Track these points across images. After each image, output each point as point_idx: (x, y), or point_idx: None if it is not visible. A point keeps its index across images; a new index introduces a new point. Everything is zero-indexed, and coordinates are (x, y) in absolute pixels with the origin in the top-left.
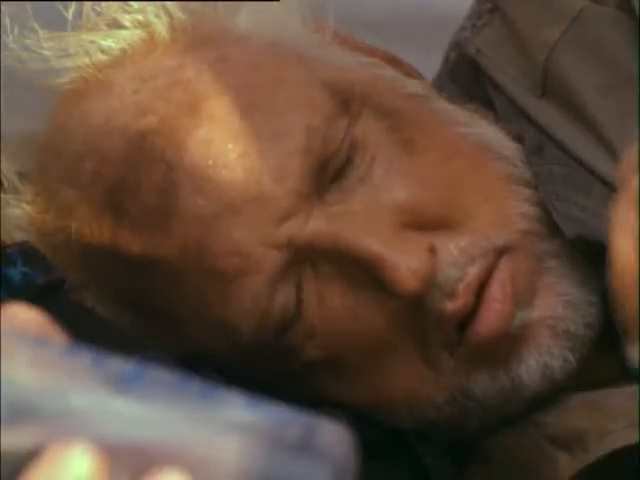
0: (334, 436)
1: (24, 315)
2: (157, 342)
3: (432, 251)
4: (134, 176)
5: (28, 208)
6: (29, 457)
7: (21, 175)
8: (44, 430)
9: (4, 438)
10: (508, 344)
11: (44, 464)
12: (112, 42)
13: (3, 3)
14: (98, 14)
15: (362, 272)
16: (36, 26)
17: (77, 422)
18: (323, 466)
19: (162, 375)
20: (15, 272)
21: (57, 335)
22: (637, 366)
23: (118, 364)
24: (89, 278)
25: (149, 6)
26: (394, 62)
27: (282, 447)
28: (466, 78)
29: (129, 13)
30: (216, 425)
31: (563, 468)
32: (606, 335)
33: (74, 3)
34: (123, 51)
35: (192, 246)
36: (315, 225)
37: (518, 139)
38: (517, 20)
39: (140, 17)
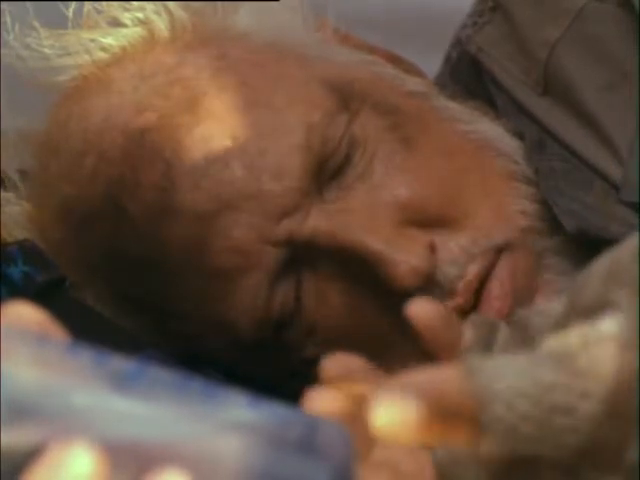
0: (335, 435)
1: (25, 313)
2: (157, 340)
3: (432, 248)
4: (133, 174)
5: (28, 206)
6: (30, 456)
7: (22, 173)
8: (45, 429)
9: (5, 437)
10: None
11: (45, 463)
12: (112, 40)
13: (4, 1)
14: (99, 12)
15: (361, 269)
16: (37, 24)
17: (78, 421)
18: (323, 465)
19: (163, 374)
20: (15, 270)
21: (58, 333)
22: None
23: (119, 363)
24: (89, 276)
25: (149, 4)
26: (394, 60)
27: (283, 446)
28: (467, 76)
29: (129, 11)
30: (217, 424)
31: None
32: None
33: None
34: (123, 49)
35: (191, 244)
36: (314, 222)
37: (519, 136)
38: (518, 18)
39: (140, 15)
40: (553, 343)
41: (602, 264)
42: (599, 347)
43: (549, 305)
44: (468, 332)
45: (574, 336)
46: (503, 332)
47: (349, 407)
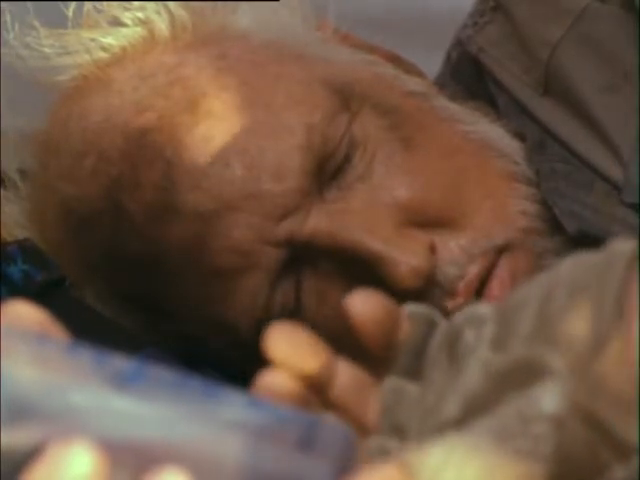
0: (335, 435)
1: (25, 313)
2: (157, 340)
3: (432, 249)
4: (133, 173)
5: (28, 205)
6: (30, 455)
7: (21, 172)
8: (45, 428)
9: (5, 436)
10: None
11: (45, 462)
12: (112, 40)
13: (4, 1)
14: (99, 12)
15: (361, 270)
16: (37, 24)
17: (78, 420)
18: (323, 465)
19: (163, 373)
20: (15, 270)
21: (58, 333)
22: None
23: (119, 362)
24: (89, 275)
25: (149, 4)
26: (395, 60)
27: (283, 445)
28: (468, 76)
29: (130, 11)
30: (217, 423)
31: None
32: None
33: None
34: (123, 49)
35: (191, 244)
36: (314, 223)
37: (520, 137)
38: (520, 18)
39: (140, 15)
40: (491, 421)
41: (527, 312)
42: (537, 426)
43: (482, 313)
44: (406, 327)
45: (512, 412)
46: (438, 336)
47: (300, 391)
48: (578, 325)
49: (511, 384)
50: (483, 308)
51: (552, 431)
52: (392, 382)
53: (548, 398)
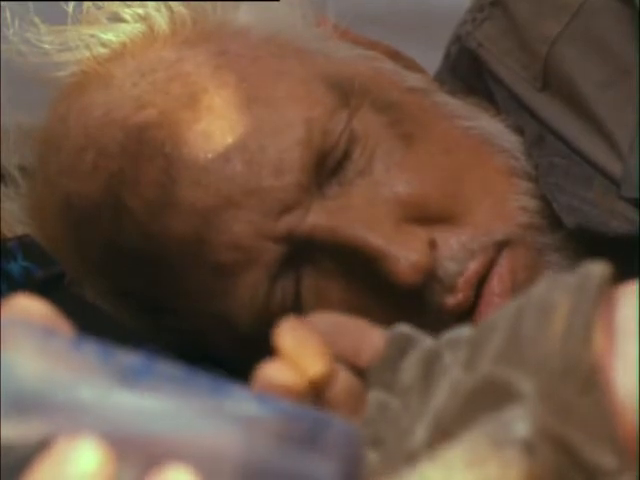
0: (342, 433)
1: (30, 307)
2: (157, 336)
3: (432, 245)
4: (133, 169)
5: (29, 201)
6: (36, 450)
7: (22, 168)
8: (51, 423)
9: (11, 431)
10: None
11: (51, 457)
12: (112, 36)
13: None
14: (98, 8)
15: (361, 266)
16: (37, 20)
17: (84, 415)
18: (329, 462)
19: (170, 369)
20: (15, 266)
21: (64, 327)
22: None
23: (126, 357)
24: (89, 271)
25: (149, 2)
26: (395, 56)
27: (289, 442)
28: (467, 72)
29: (129, 7)
30: (223, 419)
31: None
32: None
33: None
34: (123, 44)
35: (191, 239)
36: (315, 218)
37: (519, 132)
38: (518, 13)
39: (140, 11)
40: (461, 446)
41: (498, 333)
42: (508, 451)
43: (462, 336)
44: (382, 344)
45: (482, 436)
46: (415, 354)
47: (299, 384)
48: (548, 347)
49: (479, 404)
50: (466, 331)
51: (523, 456)
52: (377, 395)
53: (518, 422)
